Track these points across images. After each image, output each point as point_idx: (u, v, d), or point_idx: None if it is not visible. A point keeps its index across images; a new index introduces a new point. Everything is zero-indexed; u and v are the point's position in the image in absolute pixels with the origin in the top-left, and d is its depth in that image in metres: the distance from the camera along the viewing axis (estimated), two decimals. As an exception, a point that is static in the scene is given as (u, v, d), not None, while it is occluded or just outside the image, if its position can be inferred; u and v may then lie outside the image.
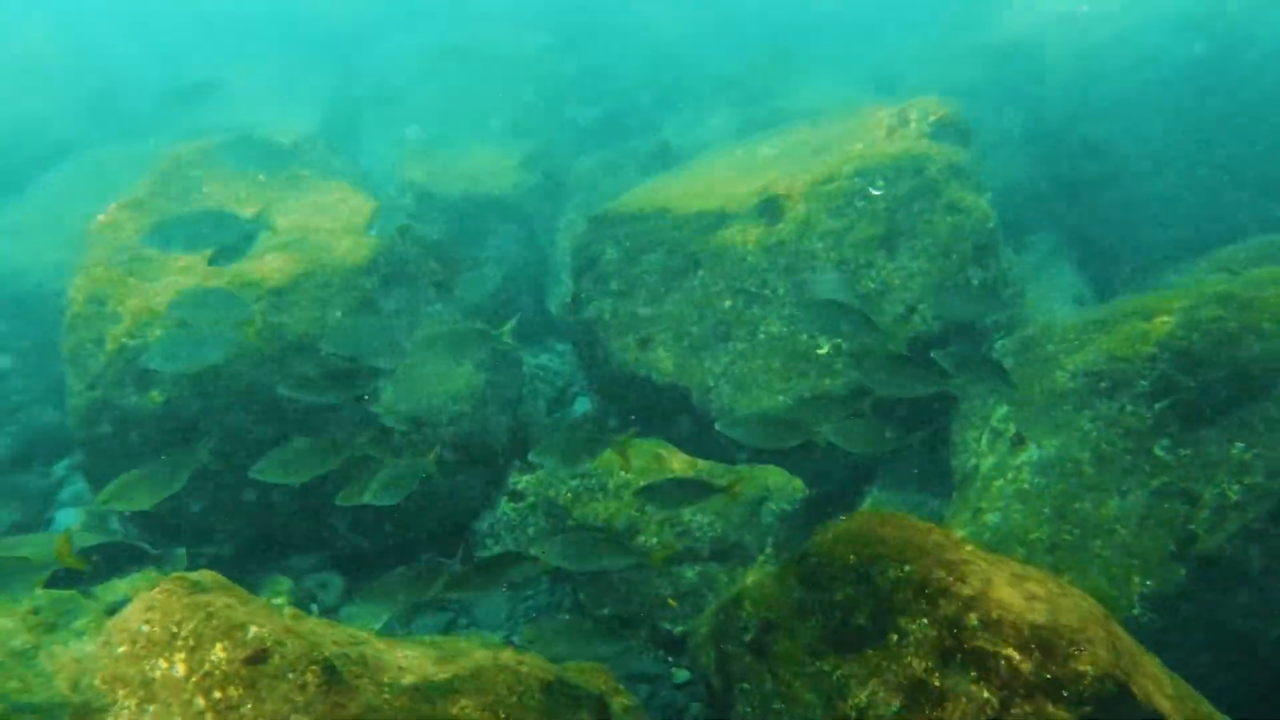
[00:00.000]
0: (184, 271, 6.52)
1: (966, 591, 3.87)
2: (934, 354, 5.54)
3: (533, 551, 5.44)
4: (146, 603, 3.96)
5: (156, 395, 6.23)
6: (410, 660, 4.15)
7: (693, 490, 5.62)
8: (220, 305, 5.80)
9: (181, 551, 6.67)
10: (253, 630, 3.79)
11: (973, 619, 3.78)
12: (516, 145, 10.46)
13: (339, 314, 6.49)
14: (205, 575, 4.22)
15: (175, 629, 3.82)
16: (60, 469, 8.17)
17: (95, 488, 7.11)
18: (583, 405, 8.91)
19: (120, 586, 5.33)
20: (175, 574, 4.20)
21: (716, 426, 5.63)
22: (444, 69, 12.83)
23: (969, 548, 4.20)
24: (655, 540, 6.38)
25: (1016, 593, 3.85)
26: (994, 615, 3.75)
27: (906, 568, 4.04)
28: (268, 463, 5.35)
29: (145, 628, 3.86)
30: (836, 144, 8.13)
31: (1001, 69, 10.10)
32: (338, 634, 4.19)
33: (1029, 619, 3.72)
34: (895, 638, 3.93)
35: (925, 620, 3.88)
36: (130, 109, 11.74)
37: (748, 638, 4.47)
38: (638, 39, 13.26)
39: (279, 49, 14.30)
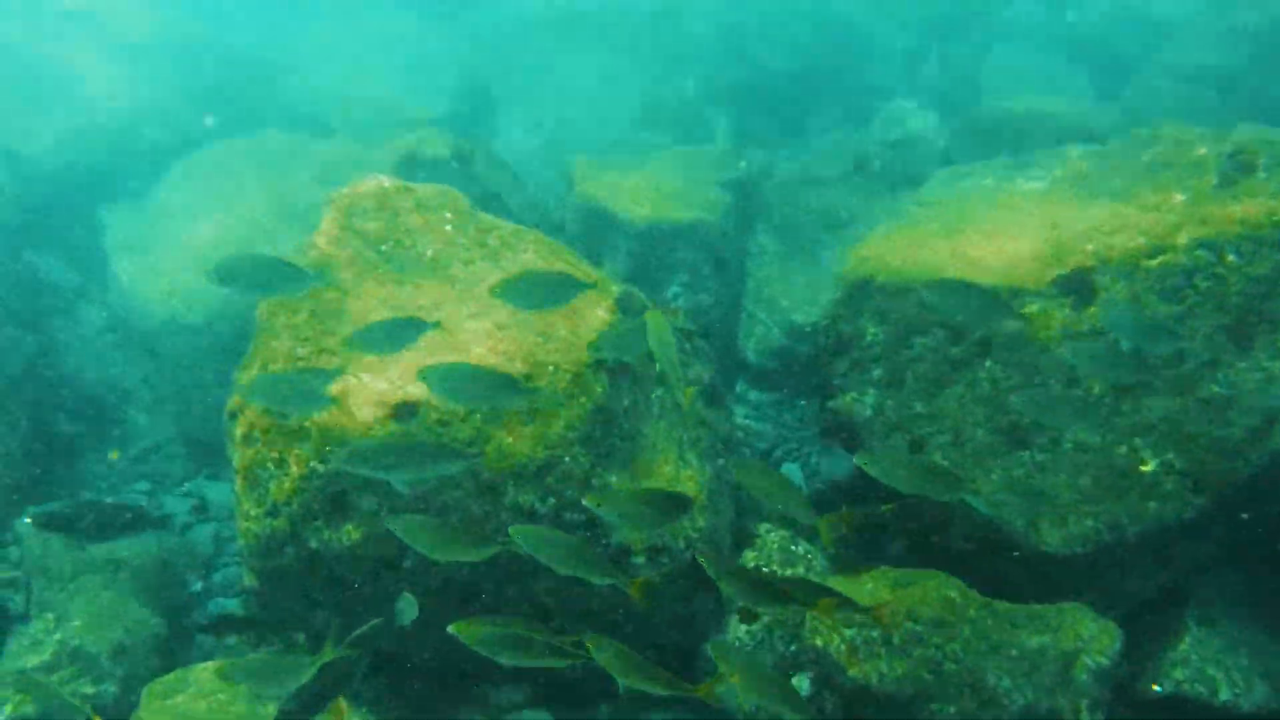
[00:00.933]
0: (374, 370, 5.28)
1: None
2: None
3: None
4: None
5: (353, 530, 5.09)
6: None
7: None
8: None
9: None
10: None
11: None
12: (693, 149, 8.98)
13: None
14: None
15: None
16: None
17: (259, 612, 6.15)
18: (795, 474, 7.66)
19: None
20: None
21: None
22: (583, 38, 11.29)
23: None
24: (953, 709, 5.18)
25: None
26: None
27: None
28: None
29: None
30: (1137, 187, 6.58)
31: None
32: None
33: None
34: None
35: None
36: (247, 92, 10.44)
37: None
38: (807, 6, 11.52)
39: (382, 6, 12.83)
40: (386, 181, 6.27)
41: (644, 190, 8.07)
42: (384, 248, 6.00)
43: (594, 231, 8.03)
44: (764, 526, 6.49)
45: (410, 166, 8.08)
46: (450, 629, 4.60)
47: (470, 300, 5.75)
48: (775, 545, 6.28)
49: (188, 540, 7.35)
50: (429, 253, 6.04)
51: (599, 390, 5.43)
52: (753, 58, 10.96)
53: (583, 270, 6.12)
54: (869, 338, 6.21)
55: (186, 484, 8.06)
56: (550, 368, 5.38)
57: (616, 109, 10.51)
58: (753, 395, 8.28)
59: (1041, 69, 10.61)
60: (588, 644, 4.49)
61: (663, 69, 10.51)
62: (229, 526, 7.57)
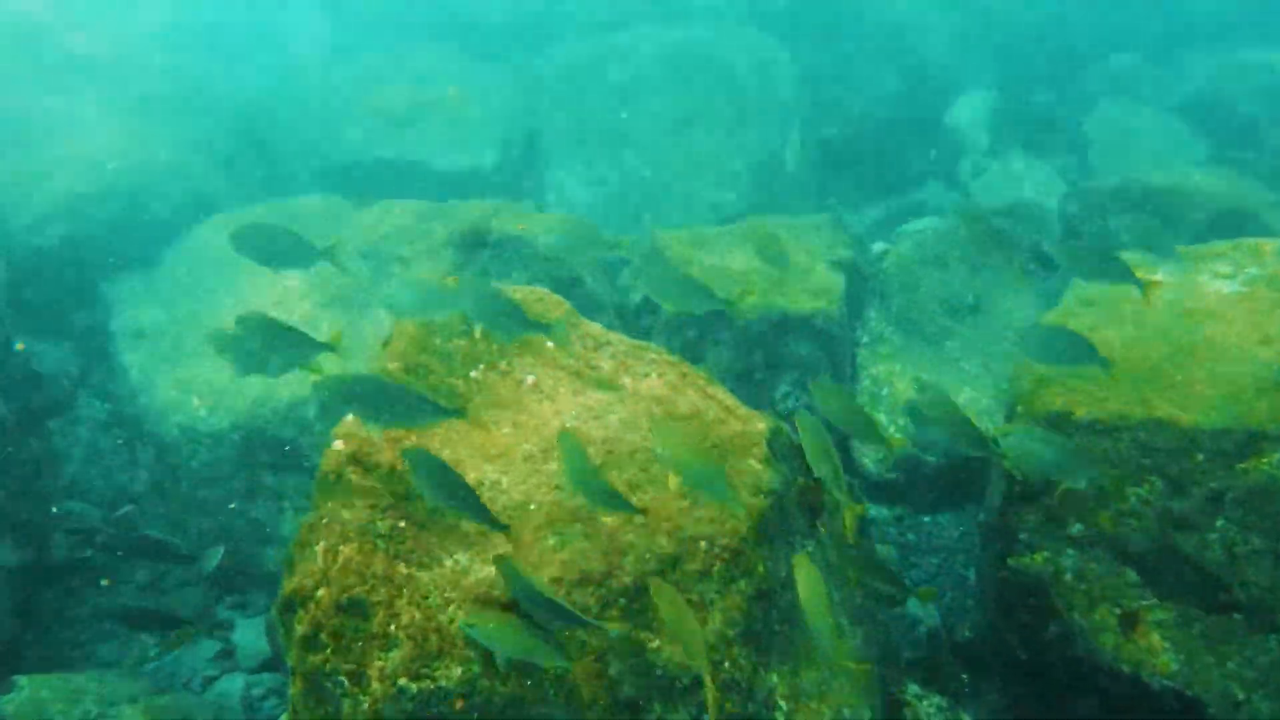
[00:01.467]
0: (475, 550, 4.08)
1: None
2: None
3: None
4: None
5: (452, 770, 3.86)
6: None
7: None
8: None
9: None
10: None
11: None
12: (793, 220, 7.83)
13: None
14: None
15: None
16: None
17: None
18: (931, 615, 6.48)
19: None
20: None
21: None
22: (649, 82, 10.15)
23: None
24: None
25: None
26: None
27: None
28: None
29: None
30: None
31: None
32: None
33: None
34: None
35: None
36: (273, 147, 9.24)
37: None
38: (885, 42, 10.42)
39: (430, 41, 11.67)
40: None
41: (748, 273, 6.91)
42: (474, 374, 4.80)
43: (689, 325, 6.86)
44: (911, 690, 5.37)
45: (474, 244, 6.91)
46: None
47: (585, 445, 4.56)
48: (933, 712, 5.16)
49: (212, 703, 6.10)
50: (529, 379, 4.85)
51: (761, 569, 4.25)
52: (834, 105, 9.86)
53: (718, 401, 4.94)
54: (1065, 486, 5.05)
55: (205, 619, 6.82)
56: (702, 544, 4.19)
57: (687, 163, 9.37)
58: (872, 510, 7.11)
59: (1153, 129, 9.54)
60: None
61: (737, 117, 9.38)
62: (261, 680, 6.34)
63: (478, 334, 4.89)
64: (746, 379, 6.87)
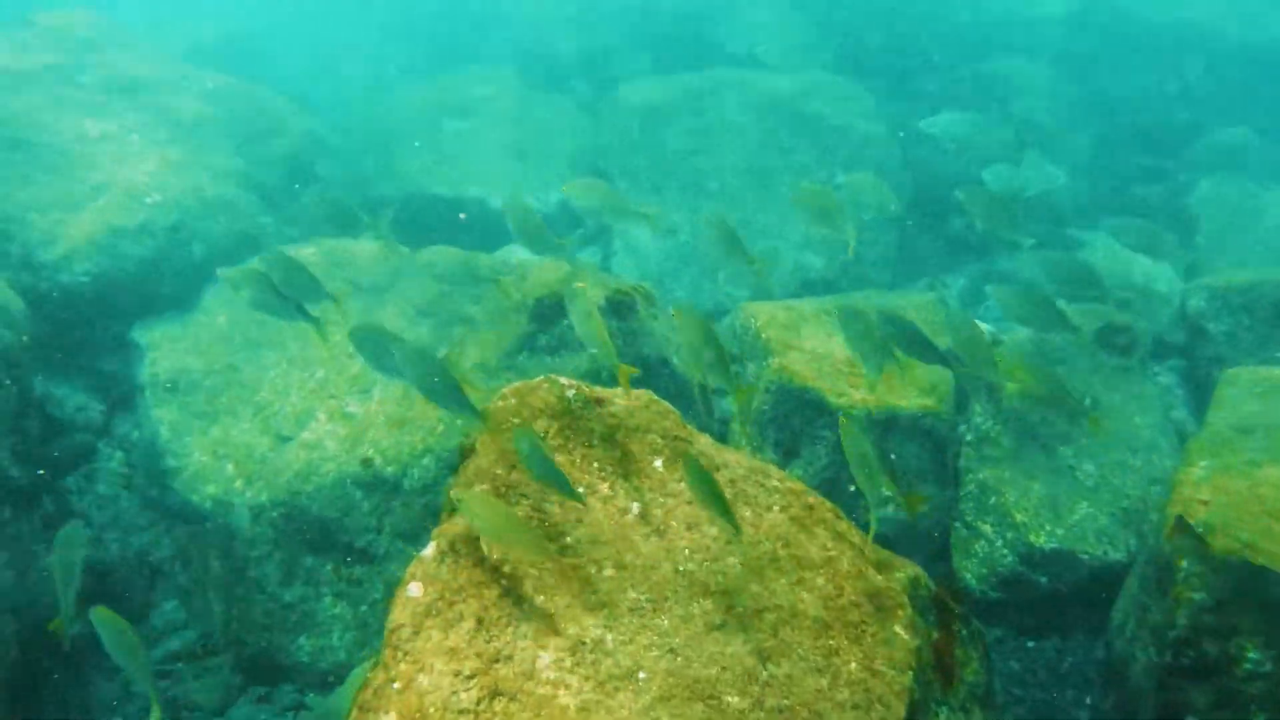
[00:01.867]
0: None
1: None
2: None
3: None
4: None
5: None
6: None
7: None
8: None
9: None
10: None
11: None
12: (898, 295, 7.14)
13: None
14: None
15: None
16: None
17: None
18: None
19: None
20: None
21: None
22: (732, 128, 9.48)
23: None
24: None
25: None
26: None
27: None
28: None
29: None
30: None
31: None
32: None
33: None
34: None
35: None
36: (328, 180, 8.59)
37: None
38: (981, 101, 9.74)
39: (490, 68, 11.05)
40: (569, 387, 4.39)
41: (855, 362, 6.20)
42: (566, 503, 4.11)
43: (791, 416, 6.15)
44: None
45: (550, 314, 6.23)
46: None
47: (701, 596, 3.86)
48: None
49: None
50: (634, 507, 4.15)
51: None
52: (924, 165, 9.18)
53: (852, 544, 4.23)
54: (1249, 664, 4.33)
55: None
56: (848, 745, 3.48)
57: (770, 219, 8.69)
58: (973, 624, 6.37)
59: (1268, 209, 8.82)
60: None
61: (827, 175, 8.70)
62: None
63: (577, 455, 4.19)
64: (843, 484, 6.16)
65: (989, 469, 6.57)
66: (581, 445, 4.23)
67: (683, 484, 4.25)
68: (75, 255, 6.96)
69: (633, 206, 6.68)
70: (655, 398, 4.52)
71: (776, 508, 4.28)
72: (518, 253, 8.85)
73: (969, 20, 10.58)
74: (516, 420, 4.19)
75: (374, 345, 5.00)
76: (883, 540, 6.27)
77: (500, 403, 4.30)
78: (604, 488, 4.16)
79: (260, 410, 6.54)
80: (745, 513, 4.22)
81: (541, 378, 4.41)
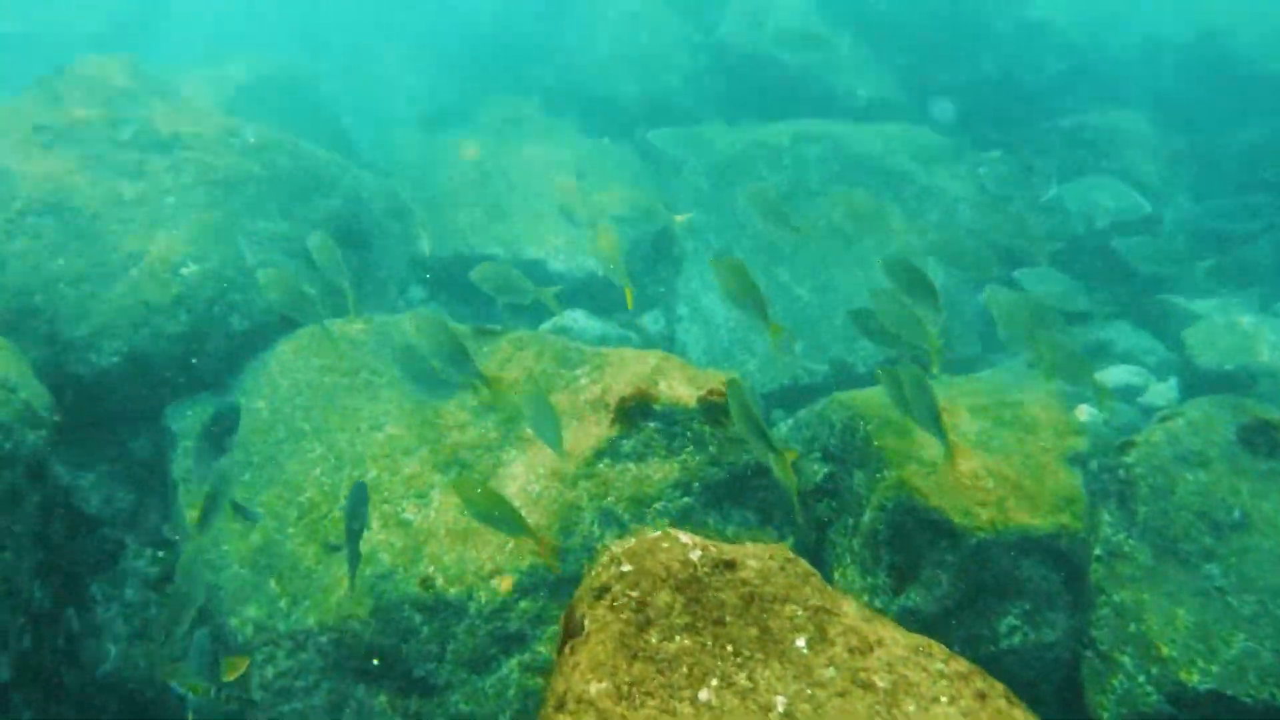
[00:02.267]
0: None
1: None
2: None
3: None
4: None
5: None
6: None
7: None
8: None
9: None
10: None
11: None
12: (1020, 394, 6.39)
13: None
14: None
15: None
16: None
17: None
18: None
19: None
20: None
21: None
22: (810, 185, 8.82)
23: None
24: None
25: None
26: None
27: None
28: None
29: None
30: None
31: None
32: None
33: None
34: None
35: None
36: (374, 245, 7.93)
37: None
38: (1078, 158, 9.01)
39: (546, 115, 10.44)
40: (692, 547, 3.67)
41: (984, 476, 5.47)
42: (703, 694, 3.39)
43: (908, 537, 5.41)
44: None
45: (636, 412, 5.53)
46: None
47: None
48: None
49: None
50: (778, 702, 3.42)
51: None
52: (1016, 221, 8.44)
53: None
54: None
55: None
56: None
57: (854, 287, 7.98)
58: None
59: None
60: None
61: (917, 239, 8.00)
62: None
63: (707, 636, 3.47)
64: (967, 608, 5.41)
65: (1126, 590, 5.81)
66: (712, 624, 3.51)
67: (831, 669, 3.52)
68: (106, 332, 6.33)
69: (618, 273, 6.03)
70: (792, 556, 3.81)
71: (944, 698, 3.54)
72: (579, 320, 8.20)
73: (1058, 69, 9.93)
74: (635, 594, 3.47)
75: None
76: (1006, 671, 5.52)
77: (611, 568, 3.59)
78: (741, 678, 3.44)
79: (305, 513, 5.87)
80: (909, 707, 3.49)
81: (659, 534, 3.70)
